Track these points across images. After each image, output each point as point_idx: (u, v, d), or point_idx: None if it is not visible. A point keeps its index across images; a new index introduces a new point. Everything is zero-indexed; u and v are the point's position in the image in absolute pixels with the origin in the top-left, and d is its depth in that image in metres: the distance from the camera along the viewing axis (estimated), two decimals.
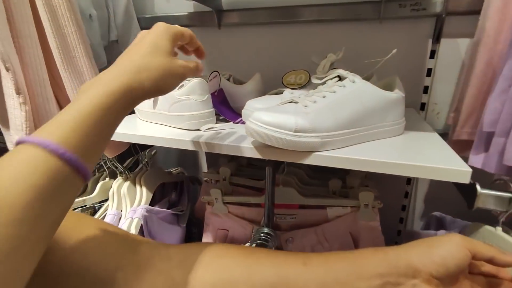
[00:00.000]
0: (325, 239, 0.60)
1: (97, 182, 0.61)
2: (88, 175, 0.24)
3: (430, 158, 0.36)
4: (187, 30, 0.37)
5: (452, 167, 0.33)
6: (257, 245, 0.52)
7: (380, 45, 0.68)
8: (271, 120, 0.38)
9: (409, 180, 0.75)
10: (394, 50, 0.43)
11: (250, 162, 0.78)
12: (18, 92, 0.46)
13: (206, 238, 0.70)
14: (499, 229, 0.40)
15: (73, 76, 0.56)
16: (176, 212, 0.68)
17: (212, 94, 0.55)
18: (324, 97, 0.40)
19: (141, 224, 0.56)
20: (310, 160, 0.39)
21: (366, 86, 0.40)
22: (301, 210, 0.61)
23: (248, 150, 0.42)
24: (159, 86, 0.31)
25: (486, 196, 0.39)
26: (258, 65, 0.79)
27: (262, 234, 0.55)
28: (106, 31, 0.79)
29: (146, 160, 0.75)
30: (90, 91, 0.26)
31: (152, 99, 0.40)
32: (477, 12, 0.53)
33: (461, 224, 0.55)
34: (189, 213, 0.74)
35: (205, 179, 0.70)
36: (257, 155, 0.42)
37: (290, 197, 0.60)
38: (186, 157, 0.99)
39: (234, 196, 0.64)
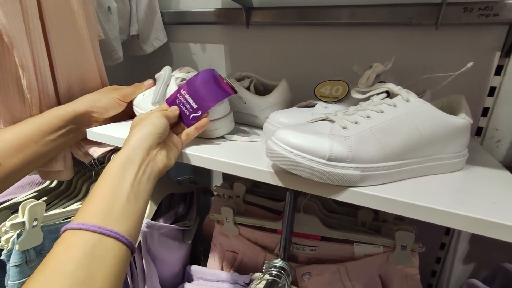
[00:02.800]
0: (349, 278, 0.51)
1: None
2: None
3: (497, 210, 0.26)
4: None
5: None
6: (268, 282, 0.44)
7: (434, 56, 0.58)
8: (299, 142, 0.30)
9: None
10: (470, 64, 0.33)
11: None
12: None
13: (213, 259, 0.62)
14: None
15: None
16: (181, 228, 0.62)
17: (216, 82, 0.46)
18: (368, 117, 0.32)
19: (139, 241, 0.49)
20: (344, 197, 0.31)
21: (425, 107, 0.31)
22: (323, 243, 0.52)
23: (266, 175, 0.34)
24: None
25: None
26: (287, 70, 0.71)
27: (274, 269, 0.47)
28: (127, 25, 0.75)
29: None
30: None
31: None
32: None
33: None
34: (197, 228, 0.67)
35: (217, 193, 0.63)
36: (277, 183, 0.34)
37: (311, 226, 0.51)
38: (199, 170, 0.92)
39: (247, 218, 0.56)
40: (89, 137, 0.48)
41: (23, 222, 0.43)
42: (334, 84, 0.45)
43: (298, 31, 0.68)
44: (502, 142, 0.58)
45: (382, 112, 0.32)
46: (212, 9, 0.73)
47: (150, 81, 0.56)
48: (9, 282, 0.43)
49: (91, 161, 0.56)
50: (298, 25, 0.67)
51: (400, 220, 0.54)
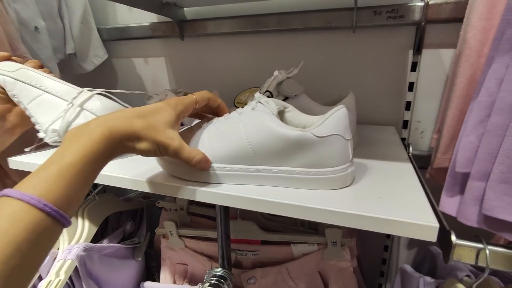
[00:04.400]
0: (291, 278, 0.53)
1: None
2: (68, 222, 0.25)
3: (390, 206, 0.28)
4: (201, 98, 0.36)
5: (415, 221, 0.26)
6: None
7: (355, 56, 0.61)
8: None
9: None
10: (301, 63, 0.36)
11: None
12: None
13: (164, 273, 0.62)
14: None
15: None
16: (129, 246, 0.61)
17: None
18: (215, 122, 0.36)
19: (76, 266, 0.49)
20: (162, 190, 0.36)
21: (258, 118, 0.32)
22: (264, 246, 0.54)
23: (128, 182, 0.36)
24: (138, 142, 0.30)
25: (463, 249, 0.31)
26: (223, 76, 0.73)
27: (213, 278, 0.48)
28: (62, 44, 0.73)
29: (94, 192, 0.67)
30: (73, 142, 0.27)
31: None
32: (460, 19, 0.46)
33: (452, 268, 0.47)
34: (149, 244, 0.67)
35: (161, 207, 0.63)
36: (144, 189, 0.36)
37: (249, 231, 0.53)
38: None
39: (189, 229, 0.57)
40: (11, 166, 0.46)
41: None
42: (252, 91, 0.46)
43: (230, 40, 0.70)
44: (425, 133, 0.62)
45: (226, 118, 0.34)
46: (147, 24, 0.74)
47: None
48: None
49: None
50: (229, 34, 0.69)
51: None
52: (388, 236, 0.70)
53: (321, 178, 0.32)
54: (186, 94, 0.56)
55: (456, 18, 0.49)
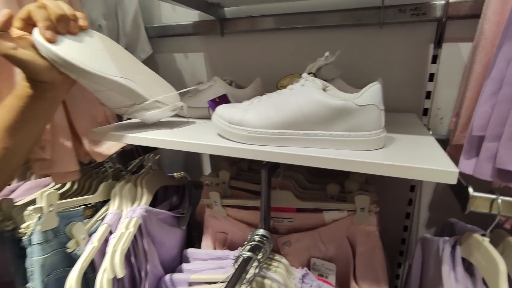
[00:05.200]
0: (322, 242, 0.60)
1: (101, 183, 0.64)
2: None
3: (417, 159, 0.35)
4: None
5: (438, 167, 0.33)
6: (252, 247, 0.53)
7: (381, 50, 0.68)
8: (220, 112, 0.46)
9: (412, 187, 0.74)
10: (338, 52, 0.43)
11: (251, 167, 0.78)
12: None
13: (206, 240, 0.70)
14: (486, 240, 0.39)
15: None
16: (176, 215, 0.70)
17: (213, 100, 0.56)
18: (270, 97, 0.42)
19: (140, 224, 0.57)
20: (235, 152, 0.43)
21: (308, 91, 0.40)
22: (298, 214, 0.61)
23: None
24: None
25: (479, 199, 0.38)
26: (259, 70, 0.81)
27: (257, 236, 0.55)
28: (116, 40, 0.83)
29: (150, 164, 0.77)
30: None
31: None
32: (477, 15, 0.52)
33: (468, 229, 0.53)
34: (190, 216, 0.75)
35: (206, 182, 0.72)
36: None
37: (287, 200, 0.60)
38: (190, 162, 1.01)
39: (232, 199, 0.65)
40: (92, 137, 0.55)
41: (42, 207, 0.50)
42: (293, 77, 0.54)
43: (266, 37, 0.78)
44: (444, 119, 0.68)
45: (278, 94, 0.42)
46: (191, 22, 0.83)
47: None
48: (32, 259, 0.50)
49: (90, 161, 0.64)
50: (266, 31, 0.77)
51: (364, 191, 0.64)
52: (407, 216, 0.77)
53: (359, 141, 0.39)
54: (231, 82, 0.64)
55: (474, 15, 0.56)
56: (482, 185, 0.40)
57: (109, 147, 0.62)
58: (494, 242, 0.40)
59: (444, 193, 0.74)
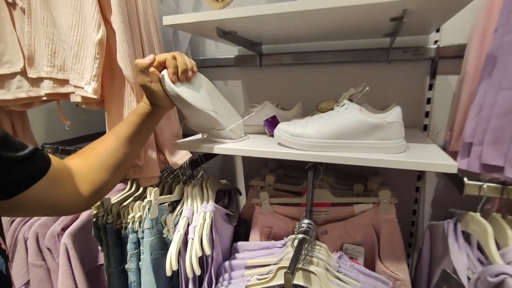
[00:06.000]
0: (352, 230, 0.76)
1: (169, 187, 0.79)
2: None
3: (427, 159, 0.53)
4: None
5: (445, 162, 0.51)
6: (304, 231, 0.69)
7: (390, 80, 0.88)
8: (283, 127, 0.63)
9: (419, 177, 0.91)
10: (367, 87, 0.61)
11: (286, 173, 0.95)
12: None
13: (254, 234, 0.86)
14: (477, 214, 0.56)
15: None
16: (229, 213, 0.85)
17: (266, 120, 0.74)
18: (321, 117, 0.60)
19: (212, 217, 0.72)
20: (300, 157, 0.61)
21: (348, 111, 0.58)
22: (333, 208, 0.78)
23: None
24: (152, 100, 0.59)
25: (471, 186, 0.56)
26: (292, 95, 0.99)
27: (304, 224, 0.71)
28: None
29: (202, 171, 0.93)
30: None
31: None
32: (461, 56, 0.73)
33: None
34: (238, 214, 0.90)
35: (252, 185, 0.88)
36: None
37: (324, 196, 0.77)
38: (227, 173, 1.17)
39: (278, 198, 0.81)
40: (178, 148, 0.71)
41: (151, 200, 0.65)
42: (329, 101, 0.72)
43: (296, 69, 0.97)
44: (440, 133, 0.87)
45: (328, 114, 0.60)
46: (233, 56, 1.02)
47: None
48: (144, 239, 0.64)
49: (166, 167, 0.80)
50: (296, 64, 0.96)
51: (380, 185, 0.81)
52: (414, 212, 0.94)
53: (388, 147, 0.57)
54: (277, 105, 0.82)
55: (458, 56, 0.76)
56: (473, 177, 0.58)
57: (182, 157, 0.78)
58: (483, 217, 0.58)
59: (444, 192, 0.92)
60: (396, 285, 0.73)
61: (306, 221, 0.72)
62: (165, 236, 0.68)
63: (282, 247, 0.79)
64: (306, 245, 0.68)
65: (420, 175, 0.91)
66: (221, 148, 0.66)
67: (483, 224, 0.55)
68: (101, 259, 0.85)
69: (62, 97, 0.70)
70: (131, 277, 0.69)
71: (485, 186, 0.55)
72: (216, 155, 0.96)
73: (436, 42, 0.81)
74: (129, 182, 0.85)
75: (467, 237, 0.62)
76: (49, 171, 0.44)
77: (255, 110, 0.79)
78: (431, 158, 0.53)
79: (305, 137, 0.61)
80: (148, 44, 0.67)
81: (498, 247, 0.53)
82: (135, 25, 0.63)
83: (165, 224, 0.69)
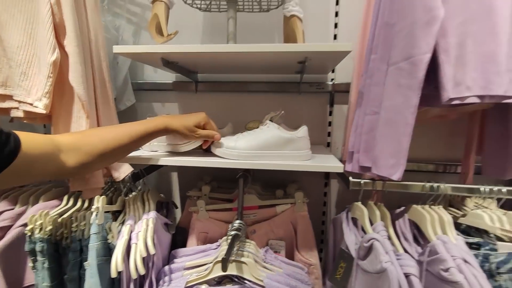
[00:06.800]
0: (275, 227, 0.92)
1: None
2: None
3: (325, 163, 0.74)
4: (203, 119, 0.76)
5: (335, 165, 0.72)
6: (236, 228, 0.82)
7: (300, 108, 1.11)
8: (222, 141, 0.77)
9: (326, 184, 1.14)
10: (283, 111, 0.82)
11: (219, 185, 1.08)
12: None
13: (191, 240, 0.95)
14: (359, 203, 0.79)
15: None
16: (168, 222, 0.93)
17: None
18: (249, 133, 0.78)
19: (154, 225, 0.80)
20: (233, 164, 0.75)
21: (269, 129, 0.78)
22: (259, 210, 0.93)
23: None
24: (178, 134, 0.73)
25: (355, 182, 0.78)
26: (224, 117, 1.15)
27: (236, 224, 0.84)
28: None
29: (142, 184, 0.99)
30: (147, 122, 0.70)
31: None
32: (348, 91, 1.00)
33: None
34: (176, 224, 0.98)
35: (189, 195, 0.98)
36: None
37: (252, 200, 0.92)
38: (163, 188, 1.23)
39: (213, 205, 0.93)
40: (121, 162, 0.78)
41: (99, 207, 0.70)
42: (255, 122, 0.90)
43: (228, 96, 1.14)
44: (339, 148, 1.13)
45: (254, 131, 0.78)
46: (171, 81, 1.13)
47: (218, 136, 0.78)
48: (90, 245, 0.67)
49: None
50: (227, 92, 1.13)
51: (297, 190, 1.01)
52: (324, 213, 1.16)
53: (299, 155, 0.77)
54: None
55: (347, 90, 1.03)
56: (356, 177, 0.81)
57: (125, 170, 0.84)
58: (363, 205, 0.80)
59: (343, 195, 1.16)
60: (310, 269, 0.90)
61: (237, 221, 0.85)
62: (109, 242, 0.73)
63: (217, 248, 0.90)
64: (238, 241, 0.81)
65: (326, 182, 1.15)
66: (169, 160, 0.76)
67: (361, 209, 0.77)
68: (29, 279, 0.83)
69: (1, 112, 0.71)
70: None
71: (362, 182, 0.78)
72: (155, 169, 1.03)
73: (332, 80, 1.08)
74: (64, 198, 0.86)
75: (355, 222, 0.84)
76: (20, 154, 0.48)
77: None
78: (326, 163, 0.74)
79: (237, 149, 0.76)
80: (98, 68, 0.75)
81: (372, 224, 0.75)
82: (86, 49, 0.71)
83: (110, 230, 0.74)
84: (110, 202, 0.84)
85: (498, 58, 0.62)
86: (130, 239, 0.75)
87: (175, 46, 0.72)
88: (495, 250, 0.68)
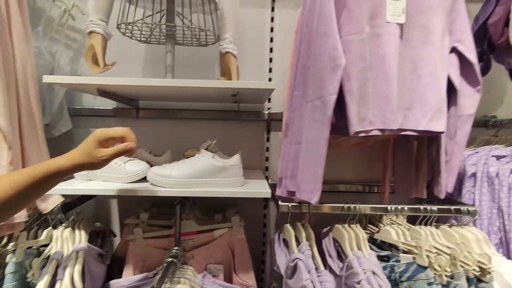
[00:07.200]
0: (214, 251, 0.95)
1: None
2: None
3: (254, 189, 0.80)
4: (115, 132, 0.63)
5: (264, 191, 0.78)
6: (172, 255, 0.83)
7: (239, 134, 1.18)
8: (154, 170, 0.80)
9: (265, 206, 1.20)
10: (217, 139, 0.88)
11: (159, 211, 1.08)
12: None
13: (127, 269, 0.93)
14: (288, 225, 0.86)
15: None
16: (102, 252, 0.91)
17: None
18: (184, 162, 0.82)
19: (84, 256, 0.78)
20: (167, 193, 0.78)
21: (204, 158, 0.83)
22: (198, 235, 0.95)
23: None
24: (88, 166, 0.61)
25: (284, 206, 0.85)
26: (164, 144, 1.17)
27: (174, 250, 0.86)
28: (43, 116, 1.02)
29: (74, 215, 0.95)
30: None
31: None
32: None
33: None
34: (112, 254, 0.96)
35: (127, 223, 0.97)
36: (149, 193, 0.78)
37: (190, 226, 0.94)
38: (102, 215, 1.19)
39: (151, 232, 0.93)
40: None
41: (16, 244, 0.66)
42: (193, 150, 0.94)
43: (169, 123, 1.17)
44: (276, 172, 1.21)
45: (189, 159, 0.83)
46: (111, 108, 1.13)
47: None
48: (4, 286, 0.63)
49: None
50: (168, 119, 1.16)
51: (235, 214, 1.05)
52: (264, 234, 1.22)
53: (231, 182, 0.82)
54: (150, 152, 0.98)
55: (282, 119, 1.12)
56: (287, 200, 0.88)
57: (53, 201, 0.81)
58: (292, 227, 0.87)
59: (281, 217, 1.23)
60: None
61: (175, 248, 0.87)
62: (29, 281, 0.69)
63: (153, 276, 0.90)
64: (174, 268, 0.82)
65: (266, 204, 1.22)
66: (99, 190, 0.76)
67: (289, 230, 0.84)
68: None
69: None
70: None
71: (289, 205, 0.85)
72: (90, 198, 1.01)
73: (269, 109, 1.17)
74: None
75: (286, 243, 0.90)
76: None
77: (131, 156, 0.92)
78: (256, 189, 0.80)
79: (172, 177, 0.79)
80: (24, 97, 0.74)
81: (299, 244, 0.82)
82: (11, 79, 0.70)
83: (30, 268, 0.70)
84: (35, 236, 0.80)
85: (391, 98, 0.75)
86: (56, 275, 0.72)
87: (109, 78, 0.75)
88: (399, 261, 0.78)
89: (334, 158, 1.17)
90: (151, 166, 0.89)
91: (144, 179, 0.84)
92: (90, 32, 0.84)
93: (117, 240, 1.17)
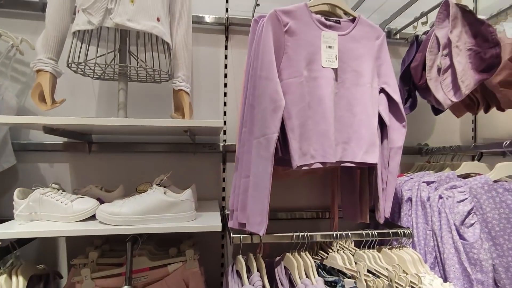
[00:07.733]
0: (168, 286, 0.94)
1: None
2: None
3: (205, 223, 0.82)
4: None
5: (215, 225, 0.81)
6: None
7: (196, 166, 1.20)
8: (103, 208, 0.80)
9: (222, 236, 1.21)
10: (166, 175, 0.91)
11: (112, 248, 1.05)
12: None
13: None
14: (240, 256, 0.88)
15: None
16: None
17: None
18: (135, 198, 0.83)
19: None
20: (113, 231, 0.78)
21: (155, 193, 0.84)
22: (151, 271, 0.94)
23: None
24: None
25: (236, 238, 0.87)
26: (118, 179, 1.15)
27: None
28: None
29: (12, 259, 0.90)
30: None
31: None
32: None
33: None
34: None
35: (74, 264, 0.92)
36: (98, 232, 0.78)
37: (142, 262, 0.93)
38: (48, 256, 1.12)
39: (100, 272, 0.90)
40: None
41: None
42: (146, 185, 0.94)
43: (123, 156, 1.16)
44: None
45: (141, 196, 0.84)
46: (61, 142, 1.10)
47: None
48: None
49: None
50: (123, 152, 1.15)
51: (191, 246, 1.05)
52: (222, 265, 1.22)
53: (182, 217, 0.83)
54: (102, 187, 0.97)
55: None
56: (239, 232, 0.91)
57: None
58: (244, 259, 0.90)
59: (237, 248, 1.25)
60: None
61: (126, 287, 0.84)
62: None
63: None
64: None
65: (223, 235, 1.23)
66: (41, 231, 0.73)
67: (241, 261, 0.86)
68: None
69: None
70: None
71: (241, 236, 0.88)
72: (31, 239, 0.96)
73: (224, 140, 1.21)
74: None
75: (239, 273, 0.92)
76: None
77: (80, 193, 0.91)
78: (208, 223, 0.82)
79: (121, 215, 0.78)
80: None
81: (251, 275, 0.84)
82: None
83: None
84: None
85: (329, 134, 0.83)
86: None
87: (55, 118, 0.75)
88: (344, 286, 0.84)
89: (289, 186, 1.23)
90: (102, 202, 0.88)
91: (93, 216, 0.83)
92: (38, 71, 0.84)
93: (63, 282, 1.10)
